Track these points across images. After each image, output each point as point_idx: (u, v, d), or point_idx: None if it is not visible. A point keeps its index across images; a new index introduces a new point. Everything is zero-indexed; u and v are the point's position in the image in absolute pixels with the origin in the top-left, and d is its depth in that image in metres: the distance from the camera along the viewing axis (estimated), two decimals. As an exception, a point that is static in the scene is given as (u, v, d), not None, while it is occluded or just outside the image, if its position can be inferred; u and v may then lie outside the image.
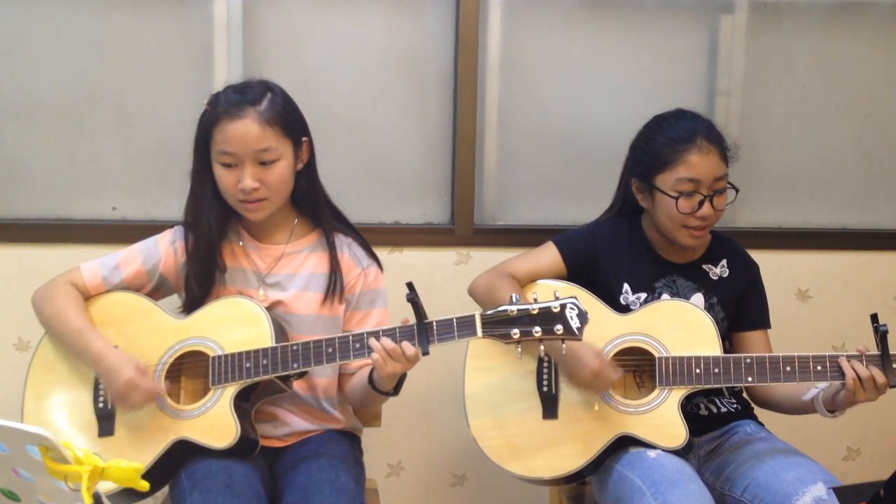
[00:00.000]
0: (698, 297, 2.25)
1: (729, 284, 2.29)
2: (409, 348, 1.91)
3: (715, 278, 2.29)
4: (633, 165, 2.28)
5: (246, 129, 2.02)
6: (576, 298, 1.89)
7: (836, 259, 2.91)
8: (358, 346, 1.96)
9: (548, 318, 1.87)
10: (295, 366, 1.99)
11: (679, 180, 2.15)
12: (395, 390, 2.05)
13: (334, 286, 2.14)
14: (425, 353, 1.92)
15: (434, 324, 1.92)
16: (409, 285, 1.89)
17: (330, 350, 1.98)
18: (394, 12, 2.73)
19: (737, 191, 2.21)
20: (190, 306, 2.14)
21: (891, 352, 2.03)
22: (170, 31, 2.67)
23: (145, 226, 2.51)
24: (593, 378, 2.07)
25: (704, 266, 2.29)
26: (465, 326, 1.90)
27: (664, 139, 2.19)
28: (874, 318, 2.04)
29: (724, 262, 2.31)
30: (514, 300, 1.89)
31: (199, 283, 2.12)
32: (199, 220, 2.12)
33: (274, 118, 2.04)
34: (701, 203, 2.15)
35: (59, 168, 2.69)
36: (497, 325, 1.89)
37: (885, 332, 2.02)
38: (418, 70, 2.76)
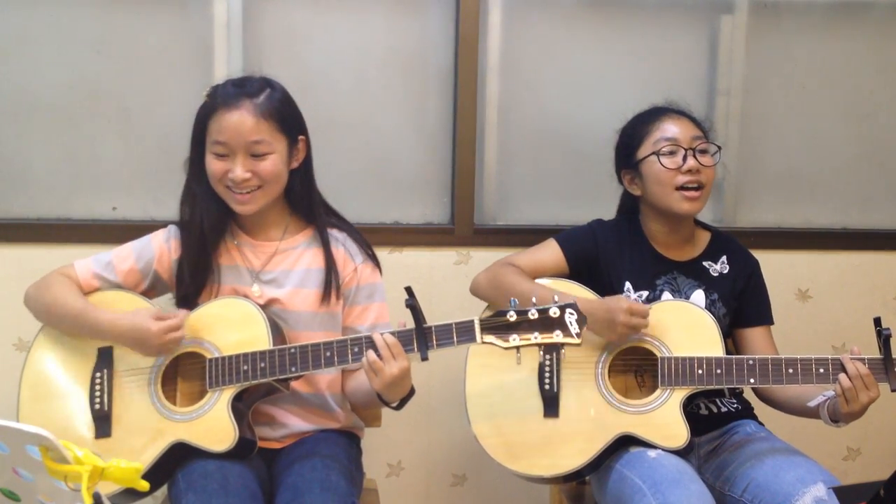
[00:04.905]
0: (699, 294, 2.25)
1: (729, 280, 2.29)
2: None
3: (715, 275, 2.29)
4: (619, 161, 2.33)
5: (241, 120, 2.02)
6: (575, 302, 1.89)
7: (836, 259, 2.90)
8: (356, 350, 1.95)
9: (547, 323, 1.87)
10: (293, 370, 1.99)
11: (657, 142, 2.23)
12: (400, 404, 2.03)
13: (331, 282, 2.13)
14: (424, 358, 1.91)
15: (433, 329, 1.92)
16: (408, 290, 1.89)
17: (328, 354, 1.97)
18: (394, 12, 2.73)
19: (719, 148, 2.25)
20: (183, 300, 2.13)
21: (893, 356, 2.02)
22: (170, 30, 2.67)
23: (145, 226, 2.49)
24: (627, 316, 2.06)
25: (705, 263, 2.30)
26: (464, 332, 1.90)
27: (635, 121, 2.30)
28: (877, 321, 2.04)
29: (723, 258, 2.31)
30: (513, 304, 1.89)
31: (190, 274, 2.11)
32: (193, 210, 2.12)
33: (270, 112, 2.04)
34: (685, 158, 2.19)
35: (59, 168, 2.68)
36: (496, 331, 1.89)
37: (889, 337, 2.02)
38: (418, 70, 2.76)
